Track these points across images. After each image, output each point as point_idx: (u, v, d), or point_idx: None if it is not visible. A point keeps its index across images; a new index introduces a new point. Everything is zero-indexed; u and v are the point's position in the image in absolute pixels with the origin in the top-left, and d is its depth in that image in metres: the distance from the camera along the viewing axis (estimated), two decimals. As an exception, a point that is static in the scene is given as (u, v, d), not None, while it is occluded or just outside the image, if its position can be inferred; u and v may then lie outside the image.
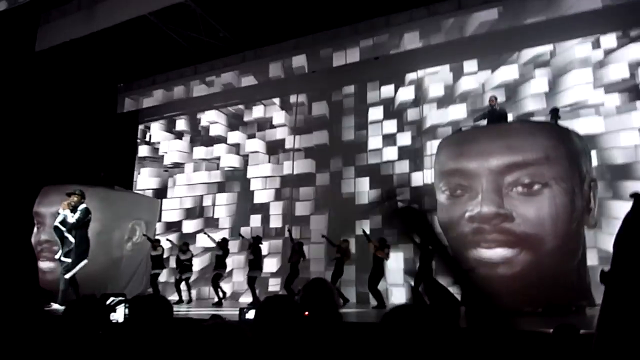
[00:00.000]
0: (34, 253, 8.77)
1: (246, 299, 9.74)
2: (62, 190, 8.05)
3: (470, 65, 9.55)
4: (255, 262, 9.31)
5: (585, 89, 8.25)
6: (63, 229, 7.03)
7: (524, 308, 6.25)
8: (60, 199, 8.05)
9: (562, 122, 7.13)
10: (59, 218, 7.10)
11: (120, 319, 3.95)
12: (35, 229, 8.87)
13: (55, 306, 6.58)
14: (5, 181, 9.76)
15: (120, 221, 9.52)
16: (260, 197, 11.19)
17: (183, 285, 9.88)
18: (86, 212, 7.12)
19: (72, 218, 6.99)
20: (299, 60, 10.62)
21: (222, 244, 9.67)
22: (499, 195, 6.23)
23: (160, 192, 12.42)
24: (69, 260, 6.93)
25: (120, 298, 3.64)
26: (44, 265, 8.53)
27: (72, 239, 6.97)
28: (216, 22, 11.00)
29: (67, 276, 6.90)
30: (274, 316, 1.62)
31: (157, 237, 10.47)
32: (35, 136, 10.38)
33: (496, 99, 7.54)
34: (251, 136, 11.78)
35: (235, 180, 11.73)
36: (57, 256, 7.16)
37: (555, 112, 7.11)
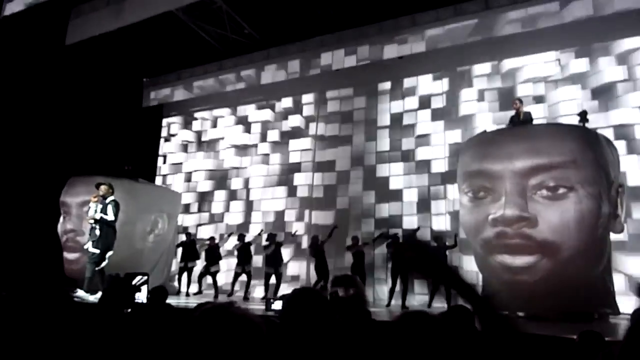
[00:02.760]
0: (59, 242, 8.97)
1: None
2: (88, 181, 8.22)
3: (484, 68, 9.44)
4: (272, 259, 9.39)
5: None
6: (92, 221, 7.17)
7: (546, 314, 6.17)
8: (86, 190, 8.23)
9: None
10: (91, 212, 7.23)
11: (144, 299, 4.03)
12: (61, 218, 9.07)
13: (80, 293, 6.72)
14: (33, 171, 10.02)
15: (143, 213, 9.66)
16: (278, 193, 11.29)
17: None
18: (117, 204, 7.26)
19: (107, 216, 7.12)
20: (324, 58, 10.62)
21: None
22: (523, 198, 6.12)
23: (182, 186, 12.58)
24: (96, 250, 7.06)
25: (145, 278, 3.69)
26: (68, 254, 8.72)
27: (97, 231, 7.11)
28: (242, 19, 11.08)
29: (98, 268, 7.01)
30: (301, 308, 1.63)
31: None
32: (63, 128, 10.62)
33: (521, 102, 7.41)
34: (274, 132, 11.81)
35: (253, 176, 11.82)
36: (85, 246, 7.31)
37: (584, 115, 6.96)
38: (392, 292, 8.40)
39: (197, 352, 0.97)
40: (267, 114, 11.97)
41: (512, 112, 7.44)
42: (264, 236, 9.95)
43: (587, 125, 6.86)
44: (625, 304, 6.16)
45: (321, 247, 9.04)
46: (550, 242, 6.01)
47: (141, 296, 3.95)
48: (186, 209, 12.16)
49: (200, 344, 0.98)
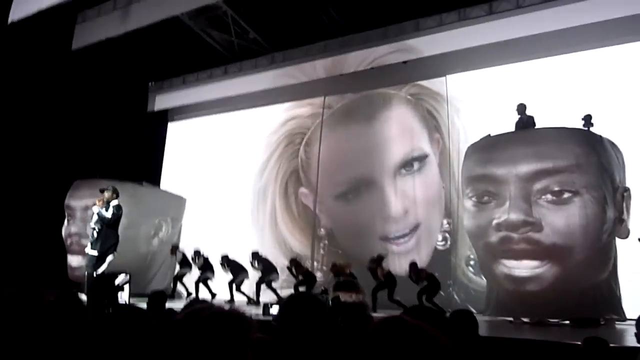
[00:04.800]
0: (63, 245, 9.01)
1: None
2: (93, 184, 8.26)
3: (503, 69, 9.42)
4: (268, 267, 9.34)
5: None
6: (93, 225, 7.15)
7: (551, 319, 6.13)
8: (90, 193, 8.25)
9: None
10: (94, 217, 7.19)
11: (126, 299, 4.00)
12: (65, 222, 9.12)
13: (82, 296, 6.71)
14: (38, 175, 10.08)
15: (147, 217, 9.70)
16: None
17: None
18: (119, 208, 7.24)
19: (105, 214, 7.10)
20: (328, 63, 10.65)
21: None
22: (527, 203, 6.09)
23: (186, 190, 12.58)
24: (95, 252, 7.05)
25: (127, 277, 3.69)
26: (72, 257, 8.77)
27: (96, 234, 7.08)
28: (246, 24, 11.13)
29: (99, 270, 6.98)
30: (298, 313, 1.62)
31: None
32: (68, 132, 10.69)
33: (525, 107, 7.38)
34: (279, 137, 11.83)
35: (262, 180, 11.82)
36: (86, 249, 7.31)
37: (588, 119, 6.92)
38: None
39: (181, 352, 0.96)
40: (271, 118, 12.00)
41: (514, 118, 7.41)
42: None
43: (591, 128, 6.82)
44: (634, 309, 6.09)
45: None
46: (556, 247, 5.97)
47: (124, 296, 3.94)
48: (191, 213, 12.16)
49: (184, 345, 0.97)
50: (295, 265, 9.00)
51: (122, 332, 1.46)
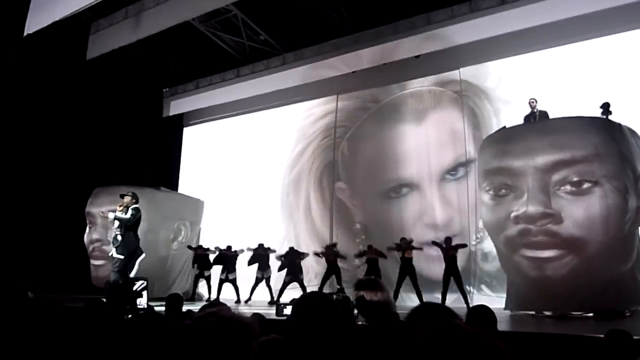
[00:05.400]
0: (86, 251, 9.18)
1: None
2: (112, 191, 8.39)
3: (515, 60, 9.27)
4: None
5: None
6: (115, 229, 7.28)
7: (574, 312, 6.03)
8: (110, 200, 8.40)
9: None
10: (115, 222, 7.34)
11: (145, 305, 4.06)
12: (87, 229, 9.28)
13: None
14: (59, 183, 10.28)
15: (166, 221, 9.82)
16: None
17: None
18: (137, 210, 7.36)
19: (124, 215, 7.23)
20: (340, 61, 10.63)
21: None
22: (546, 195, 5.98)
23: (205, 194, 12.70)
24: (120, 256, 7.17)
25: (144, 283, 3.77)
26: (96, 263, 8.92)
27: (119, 237, 7.22)
28: (257, 26, 11.18)
29: (132, 274, 7.07)
30: (311, 313, 1.63)
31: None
32: (86, 140, 10.88)
33: (536, 101, 7.26)
34: (292, 138, 11.86)
35: (278, 181, 11.86)
36: (110, 253, 7.44)
37: (606, 107, 6.77)
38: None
39: (192, 355, 0.98)
40: (286, 119, 12.04)
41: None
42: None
43: (609, 117, 6.68)
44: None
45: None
46: (577, 239, 5.86)
47: (143, 301, 4.01)
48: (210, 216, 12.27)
49: (189, 351, 0.98)
50: (328, 249, 9.03)
51: (140, 337, 1.48)
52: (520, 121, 7.18)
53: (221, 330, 0.98)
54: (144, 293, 4.03)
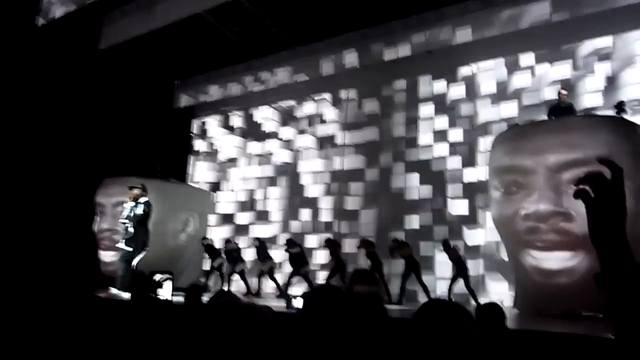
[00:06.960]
0: (94, 241, 9.25)
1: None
2: (121, 181, 8.45)
3: (525, 58, 9.17)
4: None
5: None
6: (126, 221, 7.36)
7: (583, 312, 5.97)
8: (119, 190, 8.46)
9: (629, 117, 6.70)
10: (124, 212, 7.43)
11: (168, 296, 4.15)
12: (97, 218, 9.35)
13: (114, 291, 6.91)
14: (69, 173, 10.35)
15: (175, 213, 9.86)
16: (310, 192, 11.28)
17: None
18: (148, 205, 7.43)
19: (137, 210, 7.31)
20: (350, 56, 10.59)
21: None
22: (557, 193, 5.91)
23: (215, 186, 12.76)
24: (129, 248, 7.24)
25: (167, 275, 3.87)
26: (104, 252, 8.98)
27: (131, 229, 7.29)
28: (268, 19, 11.15)
29: (134, 263, 7.18)
30: (321, 305, 1.62)
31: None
32: (97, 130, 10.94)
33: (567, 93, 7.17)
34: (302, 132, 11.86)
35: (287, 174, 11.87)
36: (119, 245, 7.52)
37: (620, 106, 6.67)
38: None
39: (210, 342, 0.99)
40: (296, 112, 12.03)
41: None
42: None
43: (624, 116, 6.59)
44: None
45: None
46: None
47: (164, 293, 4.08)
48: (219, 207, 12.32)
49: (211, 335, 0.99)
50: (365, 245, 9.00)
51: (160, 324, 1.51)
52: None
53: (238, 318, 0.98)
54: (167, 285, 4.17)
